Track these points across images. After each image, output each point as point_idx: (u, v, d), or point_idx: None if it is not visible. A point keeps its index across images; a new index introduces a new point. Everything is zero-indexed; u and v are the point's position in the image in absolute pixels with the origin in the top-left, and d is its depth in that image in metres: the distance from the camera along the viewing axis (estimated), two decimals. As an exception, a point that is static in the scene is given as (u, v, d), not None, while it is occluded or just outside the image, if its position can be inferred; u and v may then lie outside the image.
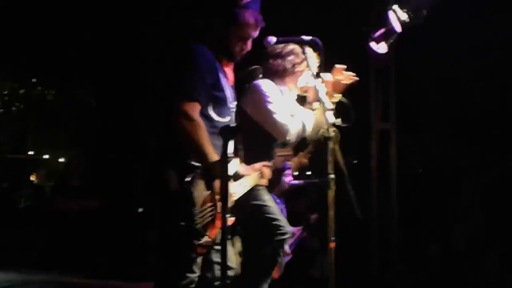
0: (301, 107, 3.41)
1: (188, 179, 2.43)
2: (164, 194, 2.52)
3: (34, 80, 11.01)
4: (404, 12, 4.86)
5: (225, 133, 2.26)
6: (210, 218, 2.48)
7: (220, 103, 2.65)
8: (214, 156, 2.49)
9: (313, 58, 3.22)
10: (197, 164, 2.52)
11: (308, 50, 3.09)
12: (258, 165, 2.99)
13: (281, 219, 3.25)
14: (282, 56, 3.35)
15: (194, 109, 2.51)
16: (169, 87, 2.64)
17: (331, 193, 2.63)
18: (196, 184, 2.45)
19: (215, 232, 2.51)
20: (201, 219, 2.43)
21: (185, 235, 2.41)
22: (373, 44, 5.32)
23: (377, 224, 5.81)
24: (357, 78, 3.34)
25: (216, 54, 2.68)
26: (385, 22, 5.03)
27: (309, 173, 5.87)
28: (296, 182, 4.47)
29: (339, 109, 3.18)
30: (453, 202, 5.79)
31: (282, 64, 3.35)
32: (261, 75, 3.45)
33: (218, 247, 2.46)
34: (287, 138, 3.24)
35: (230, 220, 2.61)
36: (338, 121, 3.06)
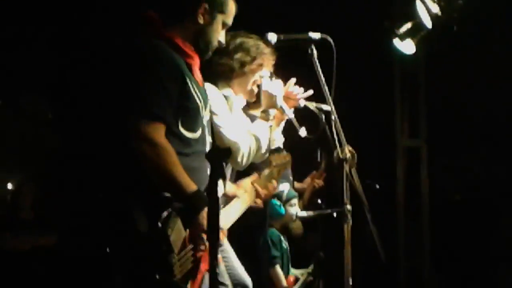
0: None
1: (163, 216, 2.35)
2: (131, 239, 2.39)
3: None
4: (436, 3, 4.94)
5: (214, 156, 2.14)
6: (191, 265, 2.45)
7: (189, 115, 2.55)
8: (190, 185, 2.41)
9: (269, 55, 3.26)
10: (170, 196, 2.45)
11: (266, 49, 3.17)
12: (246, 180, 2.97)
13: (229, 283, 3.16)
14: (228, 53, 3.25)
15: (158, 131, 2.41)
16: (123, 101, 2.52)
17: (347, 228, 2.66)
18: (173, 224, 2.37)
19: (199, 279, 2.48)
20: (181, 267, 2.38)
21: None
22: (397, 42, 5.39)
23: (406, 266, 5.83)
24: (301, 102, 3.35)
25: (180, 50, 2.58)
26: (413, 15, 5.11)
27: (319, 200, 5.89)
28: (304, 213, 4.50)
29: (305, 117, 3.20)
30: (498, 236, 5.80)
31: (228, 63, 3.28)
32: None
33: None
34: (238, 159, 3.13)
35: (220, 258, 2.66)
36: (303, 132, 3.12)
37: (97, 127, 2.66)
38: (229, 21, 2.71)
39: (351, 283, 2.68)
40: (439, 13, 4.94)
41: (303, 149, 3.84)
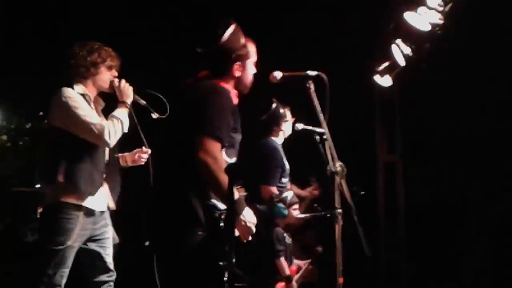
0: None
1: (215, 216, 2.43)
2: (200, 233, 2.44)
3: (41, 113, 11.10)
4: (407, 46, 4.94)
5: (230, 171, 2.20)
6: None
7: (232, 145, 2.64)
8: (236, 194, 2.45)
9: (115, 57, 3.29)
10: (216, 204, 2.50)
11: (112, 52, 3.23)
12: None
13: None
14: (81, 57, 3.21)
15: (218, 148, 2.48)
16: (195, 122, 2.53)
17: (338, 227, 2.64)
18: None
19: None
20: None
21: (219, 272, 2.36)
22: (377, 77, 5.39)
23: (385, 258, 5.77)
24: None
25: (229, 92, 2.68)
26: (389, 55, 5.11)
27: (315, 204, 5.87)
28: (302, 216, 4.48)
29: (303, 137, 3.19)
30: (460, 235, 5.74)
31: (83, 66, 3.21)
32: None
33: None
34: (105, 137, 3.08)
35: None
36: (155, 115, 3.13)
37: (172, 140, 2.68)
38: (255, 59, 2.81)
39: (341, 270, 2.65)
40: (411, 54, 4.95)
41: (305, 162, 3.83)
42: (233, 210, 2.21)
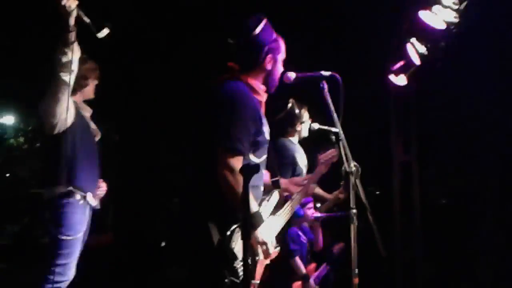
0: None
1: (228, 233, 2.44)
2: (207, 249, 2.45)
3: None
4: (422, 45, 4.91)
5: (246, 171, 2.20)
6: (251, 266, 2.52)
7: (260, 147, 2.63)
8: (254, 206, 2.48)
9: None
10: (237, 216, 2.47)
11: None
12: (300, 179, 2.99)
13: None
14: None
15: (238, 162, 2.45)
16: (210, 134, 2.54)
17: (353, 228, 2.63)
18: (236, 238, 2.45)
19: (258, 275, 2.59)
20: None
21: None
22: (392, 77, 5.37)
23: (402, 258, 5.74)
24: None
25: (253, 90, 2.66)
26: (404, 55, 5.09)
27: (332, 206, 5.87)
28: (319, 215, 4.48)
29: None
30: (477, 234, 5.70)
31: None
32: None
33: None
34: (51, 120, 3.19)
35: (275, 252, 2.67)
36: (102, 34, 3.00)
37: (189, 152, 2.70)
38: (284, 55, 2.80)
39: (357, 272, 2.64)
40: (426, 53, 4.92)
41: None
42: (249, 222, 2.21)
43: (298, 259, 4.27)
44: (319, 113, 3.40)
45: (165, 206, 7.74)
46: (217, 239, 2.43)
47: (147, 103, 7.36)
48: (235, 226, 2.46)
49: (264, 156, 2.69)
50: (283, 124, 4.24)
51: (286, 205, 3.12)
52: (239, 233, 2.44)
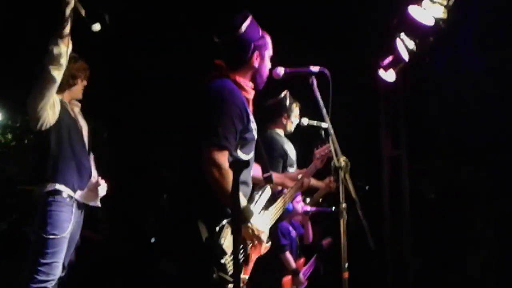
0: None
1: (217, 229, 2.45)
2: (195, 245, 2.47)
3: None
4: (411, 40, 4.94)
5: (236, 167, 2.22)
6: (241, 260, 2.55)
7: (248, 144, 2.65)
8: (242, 201, 2.48)
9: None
10: (226, 211, 2.50)
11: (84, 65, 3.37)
12: (294, 173, 3.00)
13: None
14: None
15: (223, 157, 2.47)
16: (197, 131, 2.57)
17: (343, 222, 2.65)
18: (226, 233, 2.46)
19: (248, 270, 2.62)
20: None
21: (218, 285, 2.43)
22: (381, 72, 5.39)
23: (391, 252, 5.78)
24: None
25: (241, 87, 2.67)
26: (393, 50, 5.11)
27: (320, 200, 5.89)
28: (308, 209, 4.49)
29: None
30: (466, 228, 5.75)
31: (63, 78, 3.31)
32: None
33: None
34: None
35: (266, 247, 2.72)
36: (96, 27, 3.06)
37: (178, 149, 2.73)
38: (271, 52, 2.81)
39: (347, 266, 2.66)
40: (415, 48, 4.94)
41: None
42: (239, 216, 2.21)
43: (288, 254, 4.29)
44: (309, 109, 3.41)
45: (155, 202, 7.73)
46: (206, 235, 2.44)
47: (136, 99, 7.33)
48: (224, 221, 2.48)
49: (252, 153, 2.71)
50: (271, 111, 4.25)
51: (279, 200, 3.13)
52: (228, 229, 2.46)
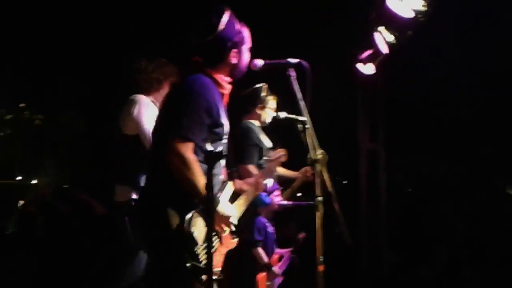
0: None
1: (187, 218, 2.45)
2: (166, 233, 2.47)
3: (22, 105, 10.97)
4: (390, 33, 4.92)
5: (210, 158, 2.23)
6: (214, 249, 2.54)
7: (218, 138, 2.65)
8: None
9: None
10: (194, 201, 2.50)
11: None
12: (252, 179, 3.00)
13: None
14: (147, 73, 3.56)
15: (187, 148, 2.48)
16: (168, 123, 2.58)
17: (319, 216, 2.62)
18: (196, 222, 2.47)
19: (219, 263, 2.63)
20: (206, 254, 2.41)
21: (192, 274, 2.43)
22: (360, 65, 5.38)
23: (367, 246, 5.80)
24: None
25: (217, 83, 2.67)
26: (372, 43, 5.09)
27: (299, 194, 5.87)
28: (285, 202, 4.46)
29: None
30: (437, 222, 5.81)
31: (149, 81, 3.55)
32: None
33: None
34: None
35: (233, 242, 2.71)
36: None
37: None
38: (250, 44, 2.81)
39: (322, 260, 2.64)
40: (394, 41, 4.94)
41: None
42: (212, 203, 2.21)
43: (260, 249, 4.26)
44: (288, 102, 3.37)
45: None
46: (177, 222, 2.44)
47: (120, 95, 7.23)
48: (193, 211, 2.48)
49: (221, 148, 2.68)
50: (245, 101, 4.23)
51: (241, 196, 3.08)
52: (198, 218, 2.47)
